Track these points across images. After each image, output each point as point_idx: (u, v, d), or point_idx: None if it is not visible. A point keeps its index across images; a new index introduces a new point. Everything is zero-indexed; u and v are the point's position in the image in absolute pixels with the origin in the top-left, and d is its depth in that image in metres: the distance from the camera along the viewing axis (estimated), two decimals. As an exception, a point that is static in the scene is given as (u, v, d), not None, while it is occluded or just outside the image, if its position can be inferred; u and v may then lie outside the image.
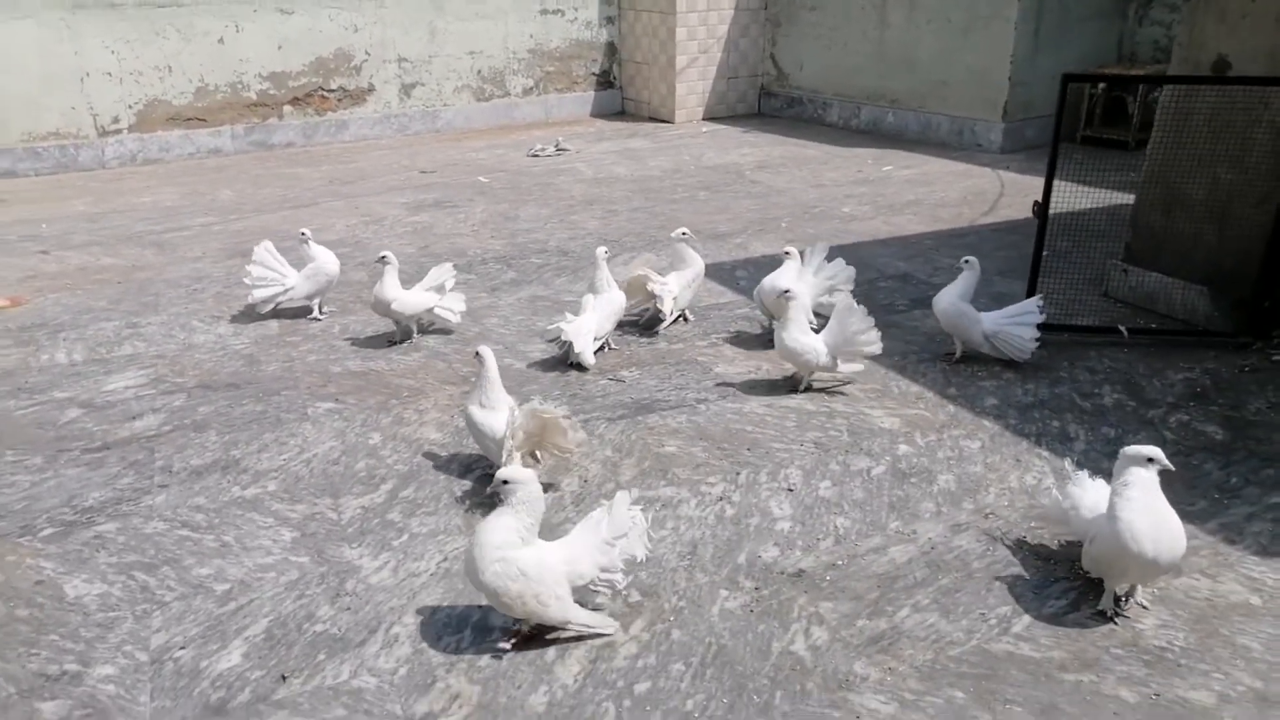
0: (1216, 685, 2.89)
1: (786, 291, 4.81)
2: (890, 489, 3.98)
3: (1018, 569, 3.45)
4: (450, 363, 5.34)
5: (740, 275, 6.73)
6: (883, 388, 4.92)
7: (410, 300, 5.48)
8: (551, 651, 3.06)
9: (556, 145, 11.29)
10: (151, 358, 5.46)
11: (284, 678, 2.97)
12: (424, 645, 3.10)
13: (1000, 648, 3.05)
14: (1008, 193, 8.85)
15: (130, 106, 10.69)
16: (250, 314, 6.02)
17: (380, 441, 4.46)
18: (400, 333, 5.63)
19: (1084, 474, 3.50)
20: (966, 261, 5.09)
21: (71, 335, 5.80)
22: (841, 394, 4.85)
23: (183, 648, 3.11)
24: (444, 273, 5.71)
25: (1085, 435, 4.40)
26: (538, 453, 4.00)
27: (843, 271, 5.61)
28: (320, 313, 6.04)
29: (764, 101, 13.58)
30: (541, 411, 3.78)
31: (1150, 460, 3.09)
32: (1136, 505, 3.05)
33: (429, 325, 5.76)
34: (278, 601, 3.34)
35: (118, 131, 10.71)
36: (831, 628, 3.16)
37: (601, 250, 5.40)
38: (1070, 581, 3.37)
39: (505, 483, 3.00)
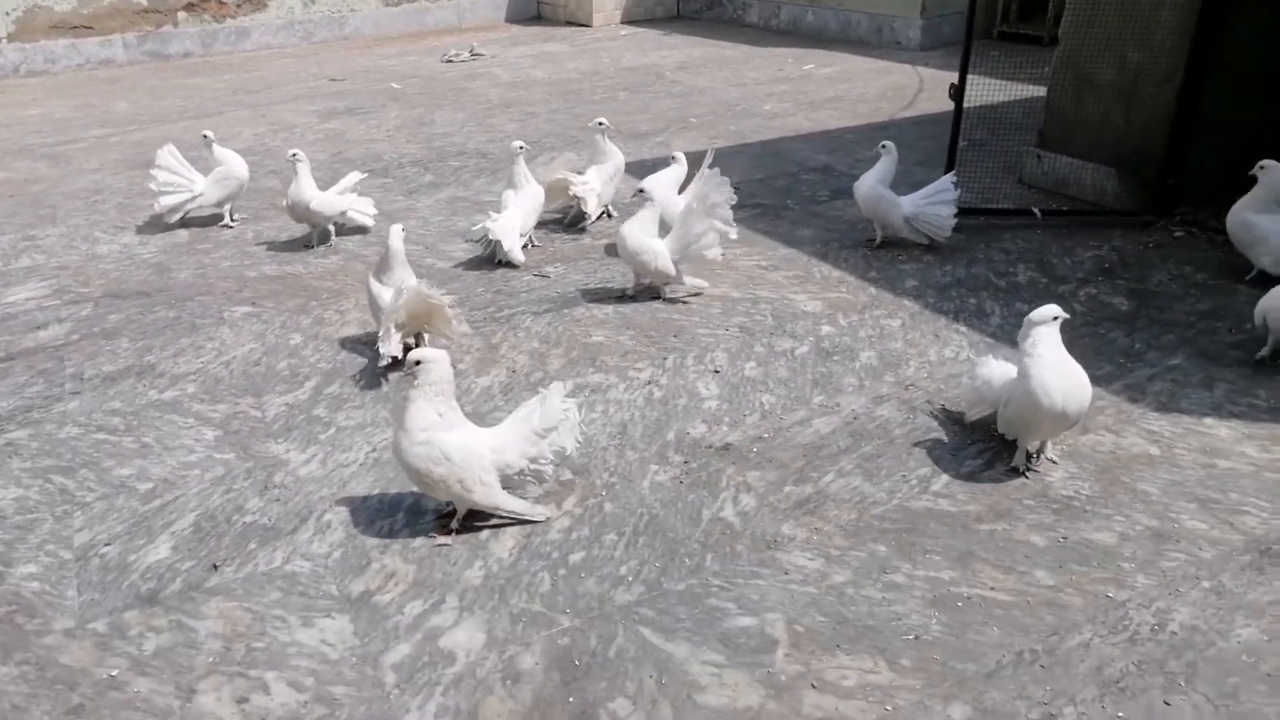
0: (1118, 526, 3.06)
1: (640, 191, 4.68)
2: (814, 367, 4.06)
3: (937, 434, 3.57)
4: (369, 263, 5.21)
5: (663, 172, 6.67)
6: (805, 274, 4.98)
7: (329, 200, 5.32)
8: (486, 531, 3.08)
9: (471, 50, 10.96)
10: (53, 269, 5.23)
11: (215, 566, 2.95)
12: (356, 530, 3.10)
13: (920, 505, 3.18)
14: (927, 88, 8.90)
15: (8, 14, 10.02)
16: (157, 224, 5.78)
17: (301, 342, 4.37)
18: (317, 235, 5.48)
19: (988, 356, 3.62)
20: (884, 146, 5.13)
21: (-36, 247, 5.50)
22: (766, 281, 4.89)
23: (108, 544, 3.06)
24: (353, 178, 5.56)
25: (1000, 310, 4.53)
26: (425, 336, 4.10)
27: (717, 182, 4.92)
28: (231, 219, 5.83)
29: (683, 4, 13.34)
30: (429, 296, 3.82)
31: (1055, 319, 3.20)
32: (1045, 361, 3.17)
33: (343, 227, 5.61)
34: (204, 497, 3.29)
35: (-3, 42, 10.04)
36: (759, 494, 3.25)
37: (517, 145, 5.30)
38: (985, 444, 3.51)
39: (418, 363, 2.96)
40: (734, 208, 4.78)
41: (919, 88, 8.98)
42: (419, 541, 3.05)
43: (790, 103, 8.52)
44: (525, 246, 5.31)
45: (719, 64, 10.22)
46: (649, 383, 3.97)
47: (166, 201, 5.62)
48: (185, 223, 5.82)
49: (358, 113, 8.52)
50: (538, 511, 3.10)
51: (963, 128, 5.60)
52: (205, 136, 5.70)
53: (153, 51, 10.91)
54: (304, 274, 5.10)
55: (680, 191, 5.28)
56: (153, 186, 5.61)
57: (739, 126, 7.77)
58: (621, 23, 12.84)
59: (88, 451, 3.56)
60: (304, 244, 5.48)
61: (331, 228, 5.47)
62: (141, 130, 7.99)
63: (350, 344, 4.34)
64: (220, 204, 5.76)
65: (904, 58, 10.17)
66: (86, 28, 10.52)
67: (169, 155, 5.63)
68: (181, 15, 11.00)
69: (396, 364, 3.90)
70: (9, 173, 6.99)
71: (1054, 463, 3.38)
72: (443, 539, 3.04)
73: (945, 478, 3.32)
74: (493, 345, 4.31)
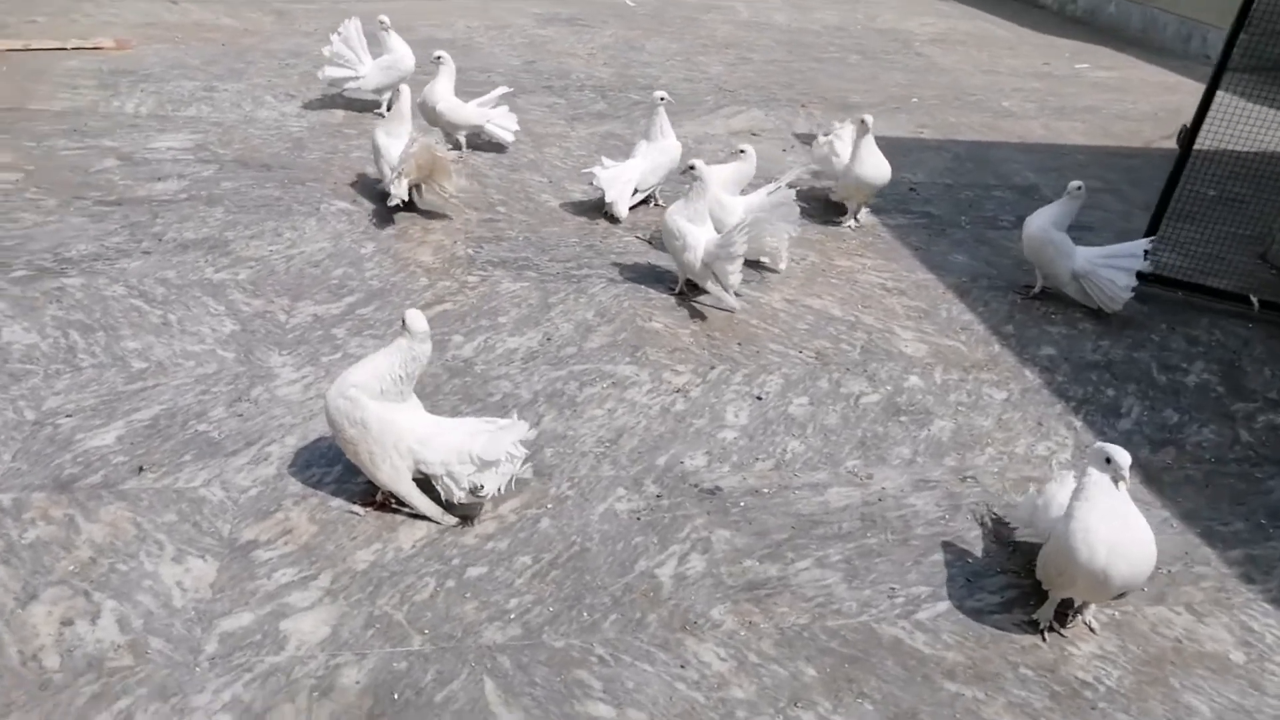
0: (1125, 746, 2.38)
1: (691, 168, 4.06)
2: (871, 422, 3.48)
3: (965, 547, 2.94)
4: (486, 186, 5.04)
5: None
6: (929, 308, 4.30)
7: (459, 109, 5.16)
8: (405, 514, 2.84)
9: (728, -21, 10.41)
10: (209, 124, 5.43)
11: (141, 469, 2.90)
12: (288, 471, 2.96)
13: (890, 632, 2.62)
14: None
15: None
16: (322, 99, 5.87)
17: (370, 252, 4.27)
18: (450, 144, 5.34)
19: (1069, 473, 2.90)
20: (1078, 187, 4.28)
21: (150, 87, 5.83)
22: (880, 306, 4.26)
23: (69, 416, 3.09)
24: (498, 92, 5.38)
25: (1139, 413, 3.70)
26: (422, 188, 4.55)
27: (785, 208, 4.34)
28: (387, 109, 5.81)
29: None
30: (434, 148, 4.24)
31: (1109, 462, 2.49)
32: (1098, 507, 2.49)
33: (481, 140, 5.43)
34: (180, 392, 3.26)
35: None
36: (713, 559, 2.80)
37: (659, 95, 4.86)
38: (1017, 578, 2.85)
39: (403, 323, 2.72)
40: (896, 210, 4.20)
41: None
42: (337, 503, 2.86)
43: (1035, 103, 7.47)
44: (645, 203, 4.93)
45: (981, 43, 9.15)
46: (678, 391, 3.54)
47: (330, 73, 5.67)
48: (347, 102, 5.87)
49: (576, 23, 8.31)
50: (444, 516, 2.81)
51: (1217, 177, 4.63)
52: (382, 21, 5.66)
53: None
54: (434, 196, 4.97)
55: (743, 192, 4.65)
56: (325, 52, 5.66)
57: (959, 119, 6.89)
58: (902, -24, 11.78)
59: (116, 315, 3.63)
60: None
61: (462, 138, 5.31)
62: (369, 2, 8.17)
63: (415, 266, 4.19)
64: (379, 90, 5.74)
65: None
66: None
67: (351, 28, 5.64)
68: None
69: (405, 207, 4.49)
70: (236, 20, 7.36)
71: (1092, 630, 2.69)
72: (357, 506, 2.83)
73: (942, 606, 2.72)
74: (547, 304, 4.01)
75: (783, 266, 4.40)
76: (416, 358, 2.71)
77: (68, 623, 2.38)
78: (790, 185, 4.29)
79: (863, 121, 4.79)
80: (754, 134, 6.17)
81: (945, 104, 7.22)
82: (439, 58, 5.09)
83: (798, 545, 2.89)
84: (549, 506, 2.93)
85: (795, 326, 4.04)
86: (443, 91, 5.09)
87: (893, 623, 2.65)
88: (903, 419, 3.52)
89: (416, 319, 2.71)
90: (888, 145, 5.23)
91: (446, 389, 3.42)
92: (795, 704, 2.38)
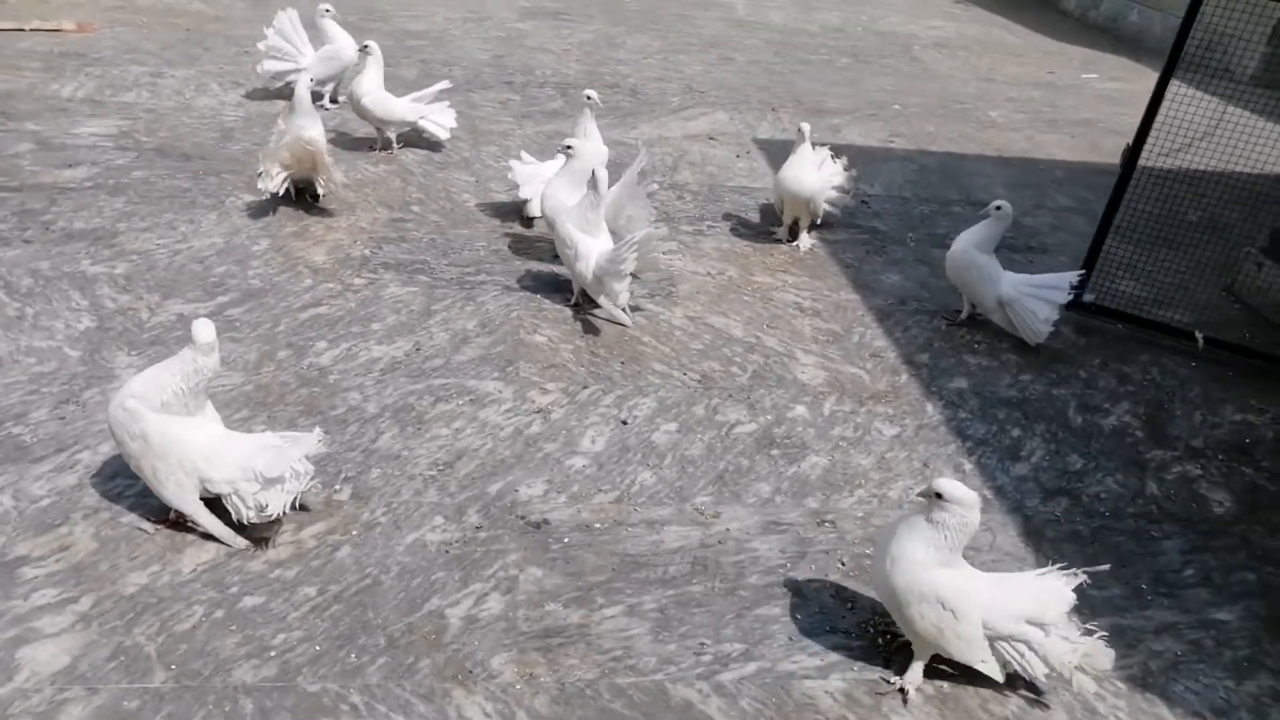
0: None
1: (567, 147, 3.94)
2: (737, 455, 3.26)
3: (798, 600, 2.71)
4: (408, 183, 4.88)
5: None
6: (842, 332, 4.05)
7: (386, 103, 5.00)
8: (197, 535, 2.69)
9: (731, -25, 10.15)
10: (143, 110, 5.35)
11: (-65, 472, 2.78)
12: (90, 481, 2.82)
13: (684, 693, 2.41)
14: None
15: None
16: (268, 91, 5.75)
17: (262, 250, 4.14)
18: (380, 140, 5.20)
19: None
20: (997, 207, 4.01)
21: (95, 71, 5.77)
22: (787, 327, 4.03)
23: (-118, 411, 2.98)
24: (437, 87, 5.21)
25: (1040, 457, 3.43)
26: (314, 183, 4.34)
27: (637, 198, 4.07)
28: (331, 101, 5.69)
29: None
30: (307, 141, 4.12)
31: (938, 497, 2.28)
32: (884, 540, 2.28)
33: (420, 138, 5.27)
34: (7, 390, 3.14)
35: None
36: (514, 602, 2.60)
37: (586, 94, 4.66)
38: (846, 638, 2.61)
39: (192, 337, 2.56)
40: (842, 225, 3.99)
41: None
42: (129, 518, 2.71)
43: (1025, 114, 7.12)
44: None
45: (985, 49, 8.78)
46: (539, 411, 3.35)
47: (269, 66, 5.56)
48: (288, 93, 5.74)
49: (560, 18, 8.13)
50: (234, 539, 2.65)
51: (1208, 199, 4.35)
52: (325, 9, 5.53)
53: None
54: (360, 187, 4.83)
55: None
56: (260, 46, 5.55)
57: (938, 128, 6.58)
58: (921, -22, 11.39)
59: (-30, 306, 3.53)
60: (368, 145, 5.22)
61: (392, 134, 5.16)
62: (350, -9, 8.05)
63: (303, 266, 4.04)
64: (321, 82, 5.61)
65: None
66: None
67: (285, 20, 5.53)
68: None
69: (276, 198, 4.40)
70: (209, 6, 7.29)
71: (904, 699, 2.45)
72: (147, 524, 2.68)
73: (750, 667, 2.49)
74: (429, 311, 3.84)
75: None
76: (199, 370, 2.55)
77: None
78: (640, 174, 4.03)
79: (799, 129, 4.55)
80: (711, 138, 5.94)
81: (927, 112, 6.91)
82: (365, 47, 4.95)
83: (612, 589, 2.68)
84: (354, 533, 2.76)
85: (688, 346, 3.83)
86: (369, 85, 4.95)
87: (690, 683, 2.43)
88: (774, 452, 3.29)
89: (202, 329, 2.55)
90: (852, 153, 5.02)
91: (291, 399, 3.27)
92: (549, 771, 2.18)
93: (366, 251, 4.21)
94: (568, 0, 8.65)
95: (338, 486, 2.92)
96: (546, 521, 2.89)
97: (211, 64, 6.13)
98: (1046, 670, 2.38)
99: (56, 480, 2.81)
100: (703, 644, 2.55)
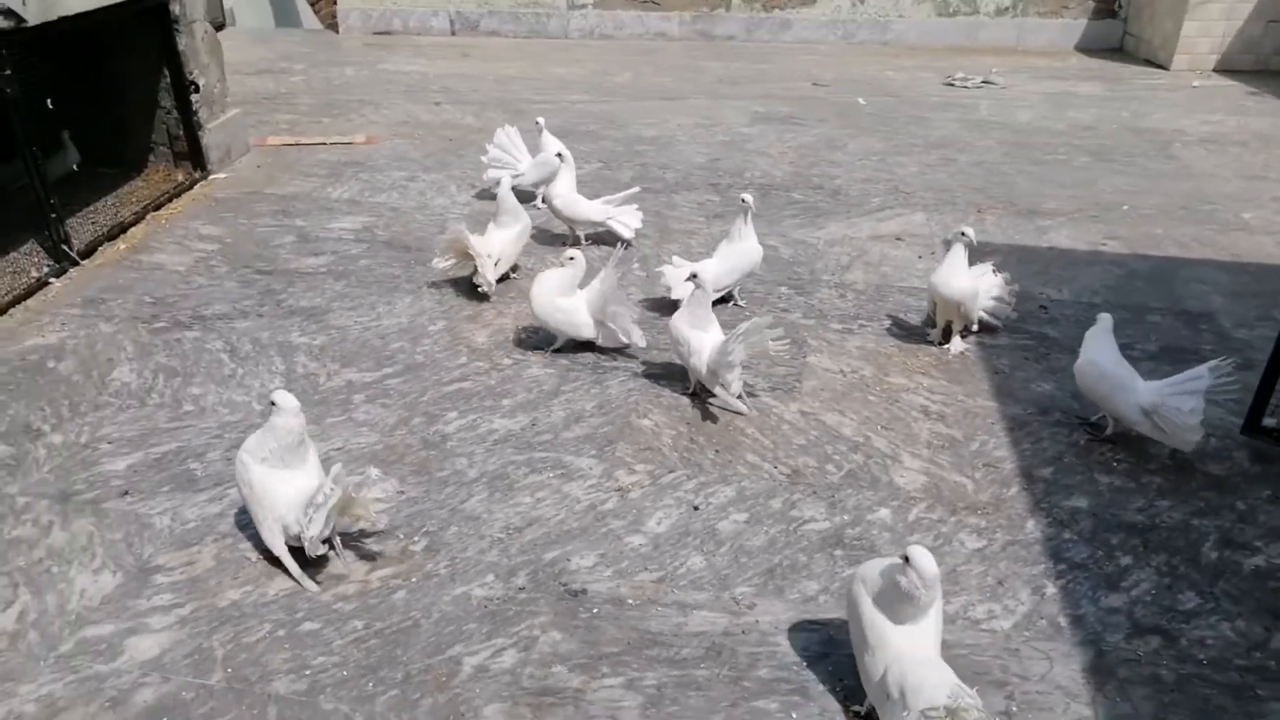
0: None
1: (693, 276, 4.09)
2: (796, 551, 3.27)
3: (803, 700, 2.69)
4: (586, 277, 5.33)
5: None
6: (963, 438, 3.91)
7: (575, 205, 5.54)
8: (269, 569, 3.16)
9: (985, 77, 10.00)
10: (388, 209, 6.28)
11: (125, 493, 3.50)
12: (230, 512, 3.41)
13: (648, 770, 2.48)
14: None
15: (597, -14, 11.72)
16: (492, 192, 6.53)
17: (436, 330, 4.72)
18: (571, 237, 5.74)
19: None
20: (1100, 317, 3.77)
21: (365, 176, 6.85)
22: (905, 429, 3.95)
23: (110, 443, 3.79)
24: (631, 192, 5.71)
25: (1144, 590, 3.10)
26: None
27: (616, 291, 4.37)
28: (540, 203, 6.35)
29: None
30: (456, 235, 4.76)
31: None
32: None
33: (604, 236, 5.75)
34: (200, 433, 3.86)
35: (584, 7, 11.83)
36: (525, 660, 2.81)
37: (744, 197, 4.87)
38: (835, 746, 2.55)
39: (272, 403, 3.10)
40: (1010, 329, 4.49)
41: None
42: (245, 546, 3.25)
43: (1288, 215, 6.37)
44: (724, 301, 4.95)
45: (1266, 144, 7.94)
46: (619, 489, 3.57)
47: (492, 174, 6.33)
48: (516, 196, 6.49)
49: (790, 122, 8.44)
50: (309, 583, 3.08)
51: None
52: (537, 122, 6.24)
53: (702, 31, 11.89)
54: (525, 272, 5.38)
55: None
56: (483, 159, 6.35)
57: (1168, 231, 6.08)
58: (1214, 69, 10.51)
59: (200, 365, 4.37)
60: (561, 242, 5.78)
61: (580, 234, 5.67)
62: (604, 103, 8.89)
63: (463, 346, 4.56)
64: (536, 185, 6.29)
65: None
66: (655, 4, 11.83)
67: (504, 135, 6.30)
68: (736, 2, 11.76)
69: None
70: (478, 120, 8.36)
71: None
72: (253, 554, 3.19)
73: (725, 758, 2.52)
74: (558, 391, 4.20)
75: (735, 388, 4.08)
76: (286, 430, 3.04)
77: (-13, 606, 2.98)
78: (619, 269, 4.28)
79: (961, 232, 4.49)
80: (898, 238, 5.92)
81: (1163, 214, 6.39)
82: (560, 155, 5.53)
83: (620, 661, 2.81)
84: (414, 580, 3.12)
85: (790, 441, 3.88)
86: (561, 188, 5.51)
87: (658, 761, 2.50)
88: (837, 553, 3.26)
89: (282, 398, 3.05)
90: (1051, 256, 4.89)
91: (409, 459, 3.73)
92: (493, 816, 2.35)
93: (524, 335, 4.66)
94: (803, 106, 8.94)
95: (416, 538, 3.30)
96: (584, 591, 3.08)
97: (458, 169, 7.05)
98: None
99: (206, 509, 3.43)
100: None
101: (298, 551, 3.08)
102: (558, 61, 10.60)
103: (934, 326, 4.67)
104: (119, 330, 4.64)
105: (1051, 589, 3.11)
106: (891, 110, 8.89)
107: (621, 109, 8.69)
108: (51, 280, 5.13)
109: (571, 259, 4.40)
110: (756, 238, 4.94)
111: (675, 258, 4.98)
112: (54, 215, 5.17)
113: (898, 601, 2.49)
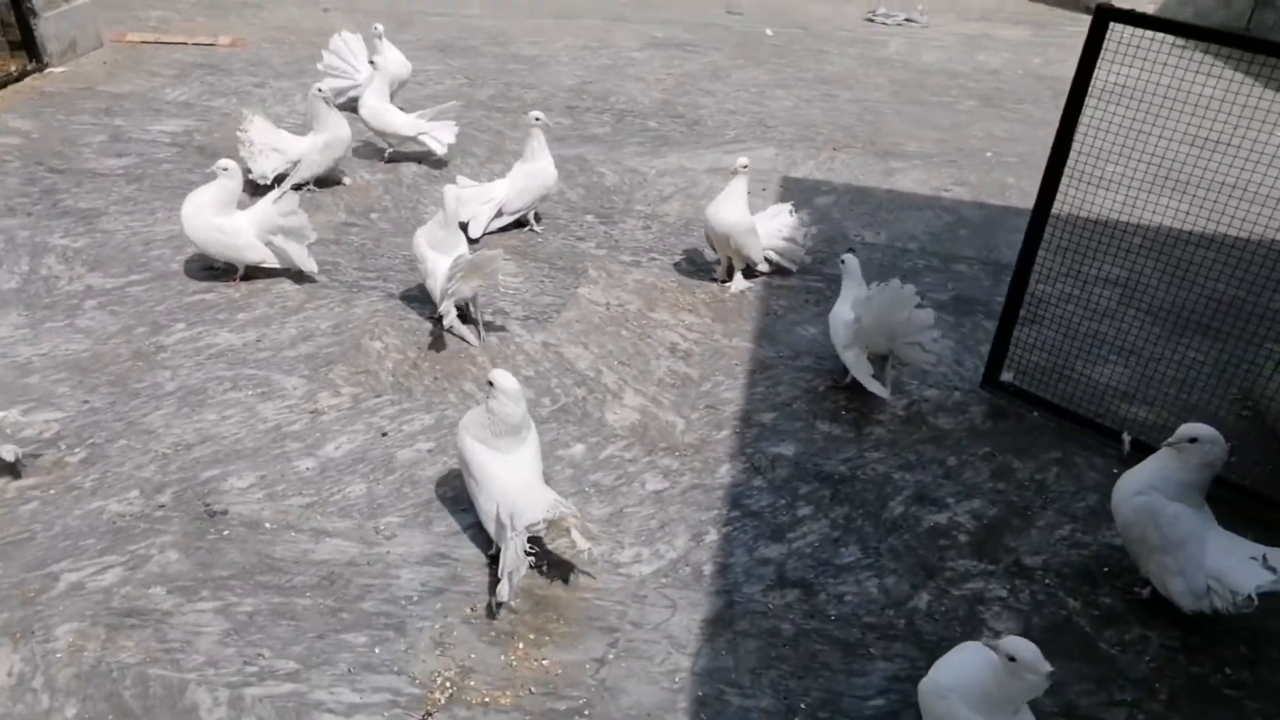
0: None
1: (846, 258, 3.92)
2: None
3: (394, 636, 2.60)
4: (387, 193, 5.15)
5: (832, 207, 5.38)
6: (698, 378, 3.77)
7: (383, 115, 5.32)
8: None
9: (908, 15, 9.64)
10: (219, 114, 6.03)
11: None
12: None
13: (199, 697, 2.40)
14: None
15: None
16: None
17: (206, 240, 4.54)
18: (388, 151, 5.53)
19: None
20: (845, 258, 3.56)
21: (211, 80, 6.59)
22: (642, 366, 3.81)
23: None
24: (446, 107, 5.47)
25: (807, 543, 3.01)
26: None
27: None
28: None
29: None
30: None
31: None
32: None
33: (413, 151, 5.52)
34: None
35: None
36: (128, 579, 2.72)
37: (535, 115, 4.67)
38: (410, 682, 2.46)
39: (490, 384, 2.78)
40: (806, 270, 4.42)
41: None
42: None
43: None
44: (520, 226, 4.78)
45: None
46: (314, 411, 3.45)
47: (330, 84, 6.04)
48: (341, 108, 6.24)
49: (684, 49, 8.13)
50: (504, 591, 2.61)
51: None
52: (375, 28, 5.96)
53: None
54: (338, 189, 5.15)
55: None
56: (319, 67, 6.08)
57: (1019, 180, 5.87)
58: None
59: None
60: (382, 155, 5.56)
61: (390, 147, 5.46)
62: (505, 19, 8.55)
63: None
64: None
65: None
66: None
67: (341, 40, 6.03)
68: (669, -79, 11.26)
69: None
70: (355, 28, 8.04)
71: None
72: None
73: (283, 688, 2.44)
74: (301, 307, 4.05)
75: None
76: (502, 412, 2.74)
77: None
78: (295, 188, 4.16)
79: (743, 166, 4.31)
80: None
81: (1025, 163, 6.17)
82: (372, 62, 5.31)
83: (225, 586, 2.71)
84: (52, 493, 3.01)
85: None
86: (370, 99, 5.31)
87: (213, 689, 2.42)
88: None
89: (501, 379, 2.76)
90: (888, 198, 4.75)
91: (111, 369, 3.59)
92: (9, 735, 2.27)
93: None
94: (705, 33, 8.61)
95: (78, 450, 3.18)
96: (225, 512, 2.97)
97: (314, 78, 6.77)
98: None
99: None
100: (260, 655, 2.52)
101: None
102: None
103: (720, 264, 4.51)
104: None
105: (713, 536, 3.01)
106: (796, 42, 8.58)
107: (513, 26, 8.37)
108: None
109: (225, 169, 4.04)
110: (551, 160, 4.74)
111: (461, 178, 4.79)
112: None
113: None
